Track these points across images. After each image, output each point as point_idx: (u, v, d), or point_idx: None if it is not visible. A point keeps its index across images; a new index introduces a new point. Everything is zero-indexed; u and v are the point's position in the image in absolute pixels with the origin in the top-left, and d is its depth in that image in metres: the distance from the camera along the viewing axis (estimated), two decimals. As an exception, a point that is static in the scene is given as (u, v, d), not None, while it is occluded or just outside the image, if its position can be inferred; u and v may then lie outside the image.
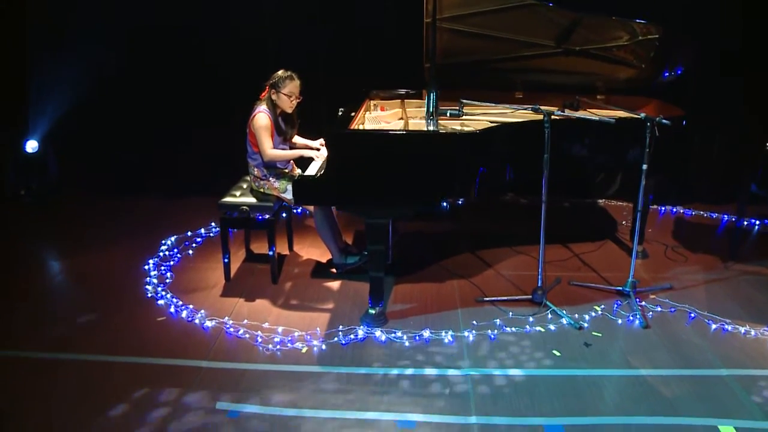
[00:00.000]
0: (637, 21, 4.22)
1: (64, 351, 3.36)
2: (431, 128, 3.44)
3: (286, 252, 4.61)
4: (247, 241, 4.61)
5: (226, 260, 4.12)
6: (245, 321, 3.66)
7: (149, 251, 4.58)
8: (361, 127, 3.98)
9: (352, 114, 4.05)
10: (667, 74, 4.42)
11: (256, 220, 4.01)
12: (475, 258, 4.55)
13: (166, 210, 5.53)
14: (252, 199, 4.00)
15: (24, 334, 3.53)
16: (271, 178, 4.04)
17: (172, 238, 4.80)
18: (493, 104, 3.90)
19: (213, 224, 5.06)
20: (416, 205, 3.47)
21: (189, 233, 4.91)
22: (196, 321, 3.66)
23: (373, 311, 3.64)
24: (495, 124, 3.77)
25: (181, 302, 3.86)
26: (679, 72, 4.48)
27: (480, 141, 3.47)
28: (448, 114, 3.69)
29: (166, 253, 4.57)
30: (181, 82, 5.52)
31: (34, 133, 5.60)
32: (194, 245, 4.74)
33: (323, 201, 3.74)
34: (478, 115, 4.22)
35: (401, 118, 4.41)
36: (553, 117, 3.53)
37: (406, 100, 4.73)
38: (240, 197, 4.05)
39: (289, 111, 4.05)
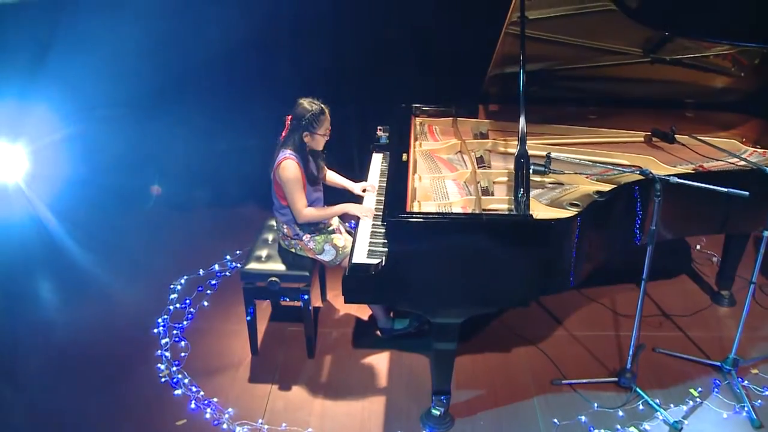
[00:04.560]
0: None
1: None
2: (522, 209, 2.68)
3: (318, 303, 3.93)
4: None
5: (249, 318, 3.45)
6: (284, 425, 3.04)
7: (156, 300, 3.91)
8: (417, 179, 3.20)
9: (404, 157, 3.29)
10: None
11: (287, 291, 3.32)
12: (538, 308, 3.91)
13: (172, 228, 4.80)
14: (282, 266, 3.29)
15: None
16: (304, 238, 3.32)
17: (182, 281, 4.11)
18: (587, 162, 3.14)
19: (228, 258, 4.35)
20: (503, 305, 2.79)
21: (201, 272, 4.20)
22: (224, 425, 3.05)
23: (437, 411, 3.04)
24: (599, 194, 2.96)
25: (202, 393, 3.24)
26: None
27: (583, 222, 2.73)
28: (532, 170, 2.94)
29: (177, 306, 3.89)
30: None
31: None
32: (209, 292, 4.05)
33: (382, 300, 3.03)
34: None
35: (459, 152, 3.62)
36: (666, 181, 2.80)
37: (458, 119, 3.92)
38: (266, 261, 3.33)
39: (320, 149, 3.30)
